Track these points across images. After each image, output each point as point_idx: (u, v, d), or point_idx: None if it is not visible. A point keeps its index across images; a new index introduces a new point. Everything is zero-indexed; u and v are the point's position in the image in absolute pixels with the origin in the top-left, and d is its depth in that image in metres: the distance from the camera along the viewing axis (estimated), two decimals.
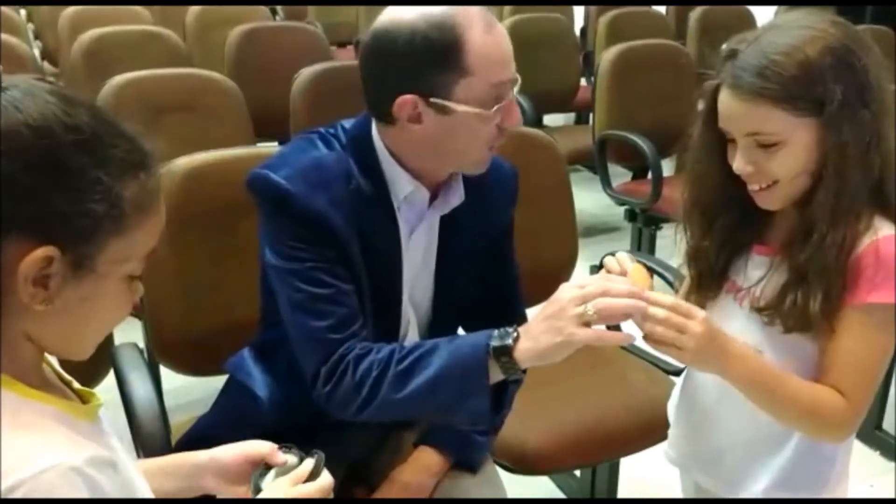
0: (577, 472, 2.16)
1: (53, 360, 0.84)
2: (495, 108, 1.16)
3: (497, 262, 1.39)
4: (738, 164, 1.09)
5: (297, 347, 1.21)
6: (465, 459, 1.38)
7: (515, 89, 1.20)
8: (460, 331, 1.49)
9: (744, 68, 1.05)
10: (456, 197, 1.27)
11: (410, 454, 1.39)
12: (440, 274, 1.32)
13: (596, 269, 1.16)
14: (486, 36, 1.14)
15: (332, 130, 1.26)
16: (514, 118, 1.19)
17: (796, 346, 1.12)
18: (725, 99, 1.07)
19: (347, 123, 1.26)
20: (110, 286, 0.76)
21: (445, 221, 1.29)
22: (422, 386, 1.12)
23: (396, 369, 1.14)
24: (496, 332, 1.10)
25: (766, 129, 1.05)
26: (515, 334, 1.09)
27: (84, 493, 0.70)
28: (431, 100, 1.14)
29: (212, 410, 1.43)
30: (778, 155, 1.06)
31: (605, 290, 1.04)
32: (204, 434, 1.36)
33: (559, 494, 2.22)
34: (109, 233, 0.74)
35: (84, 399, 0.83)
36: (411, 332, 1.33)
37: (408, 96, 1.15)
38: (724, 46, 1.11)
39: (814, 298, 1.06)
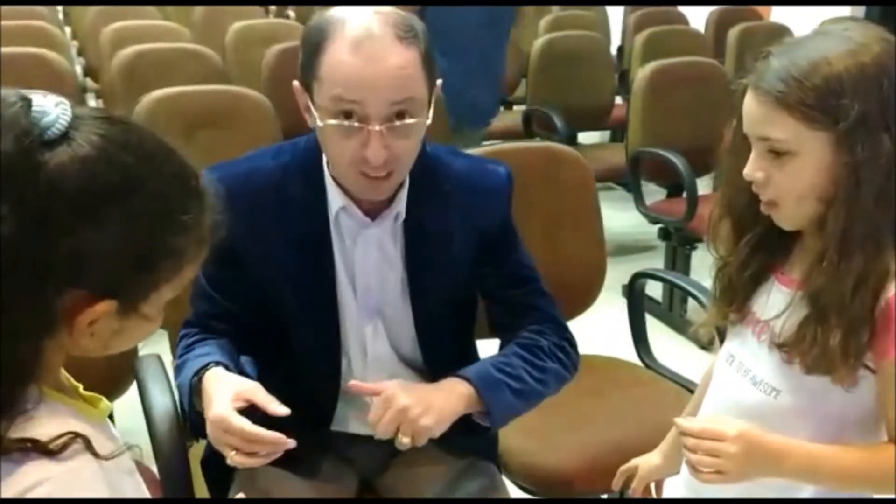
0: (605, 496, 2.11)
1: None
2: (331, 122, 1.12)
3: (497, 258, 1.35)
4: (748, 168, 1.06)
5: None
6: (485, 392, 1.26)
7: (379, 125, 1.11)
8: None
9: (769, 71, 1.02)
10: (390, 218, 1.25)
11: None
12: (413, 282, 1.29)
13: (626, 288, 1.14)
14: (345, 55, 1.11)
15: (293, 141, 1.29)
16: (369, 149, 1.12)
17: (816, 389, 1.06)
18: (747, 100, 1.05)
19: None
20: (151, 320, 0.79)
21: (411, 230, 1.27)
22: None
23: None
24: None
25: (775, 135, 1.02)
26: None
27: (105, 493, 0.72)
28: (306, 93, 1.18)
29: None
30: (787, 167, 1.02)
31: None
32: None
33: None
34: (166, 283, 0.77)
35: (92, 404, 0.83)
36: (372, 345, 1.30)
37: (296, 83, 1.19)
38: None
39: (833, 336, 1.00)
